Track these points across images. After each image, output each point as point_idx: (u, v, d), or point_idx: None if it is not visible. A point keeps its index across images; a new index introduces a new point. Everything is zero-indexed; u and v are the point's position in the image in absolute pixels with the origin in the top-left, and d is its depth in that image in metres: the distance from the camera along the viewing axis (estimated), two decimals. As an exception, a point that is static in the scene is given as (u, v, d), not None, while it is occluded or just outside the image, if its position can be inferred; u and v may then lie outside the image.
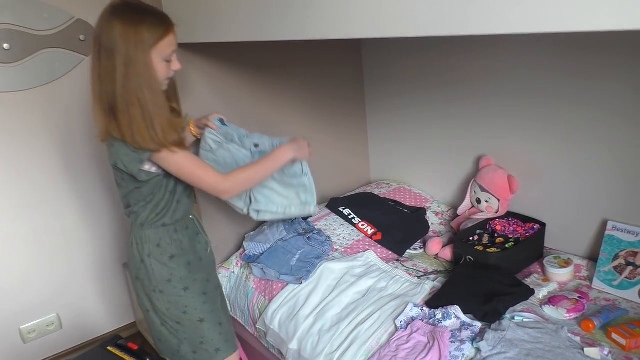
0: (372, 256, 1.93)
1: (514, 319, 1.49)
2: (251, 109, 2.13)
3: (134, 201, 1.42)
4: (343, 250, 1.99)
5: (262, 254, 1.91)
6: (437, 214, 2.28)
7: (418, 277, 1.80)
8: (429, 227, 2.14)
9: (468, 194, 2.09)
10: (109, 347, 1.50)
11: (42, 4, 1.83)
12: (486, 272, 1.68)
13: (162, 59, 1.29)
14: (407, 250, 2.02)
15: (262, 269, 1.86)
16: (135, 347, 1.45)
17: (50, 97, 1.95)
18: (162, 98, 1.31)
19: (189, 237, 1.50)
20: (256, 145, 1.65)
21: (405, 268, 1.88)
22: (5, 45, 1.79)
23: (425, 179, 2.45)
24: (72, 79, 1.97)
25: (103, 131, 1.31)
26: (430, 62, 2.22)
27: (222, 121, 1.67)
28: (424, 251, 2.02)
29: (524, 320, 1.49)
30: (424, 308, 1.58)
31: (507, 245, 1.81)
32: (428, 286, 1.72)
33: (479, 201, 2.03)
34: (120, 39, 1.22)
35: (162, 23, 1.28)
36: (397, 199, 2.33)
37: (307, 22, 1.25)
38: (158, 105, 1.28)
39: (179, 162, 1.33)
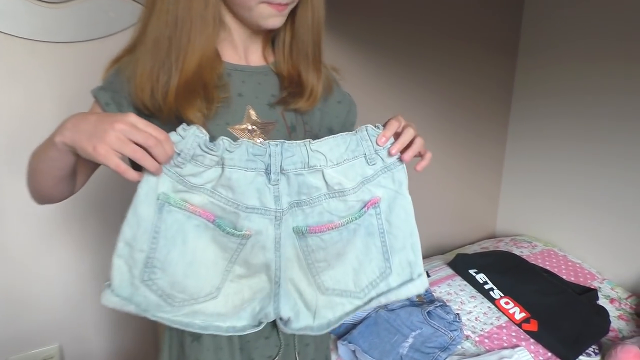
0: (526, 357, 1.23)
1: None
2: (380, 111, 1.57)
3: None
4: (477, 339, 1.30)
5: (354, 327, 1.26)
6: (611, 301, 1.53)
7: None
8: (609, 322, 1.40)
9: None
10: None
11: None
12: None
13: None
14: (580, 357, 1.29)
15: (353, 350, 1.20)
16: None
17: (100, 57, 1.42)
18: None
19: None
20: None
21: (582, 389, 1.16)
22: (47, -23, 1.28)
23: (582, 245, 1.73)
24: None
25: None
26: (603, 83, 1.56)
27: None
28: (604, 361, 1.29)
29: None
30: None
31: None
32: None
33: None
34: None
35: None
36: (548, 268, 1.61)
37: None
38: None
39: None
